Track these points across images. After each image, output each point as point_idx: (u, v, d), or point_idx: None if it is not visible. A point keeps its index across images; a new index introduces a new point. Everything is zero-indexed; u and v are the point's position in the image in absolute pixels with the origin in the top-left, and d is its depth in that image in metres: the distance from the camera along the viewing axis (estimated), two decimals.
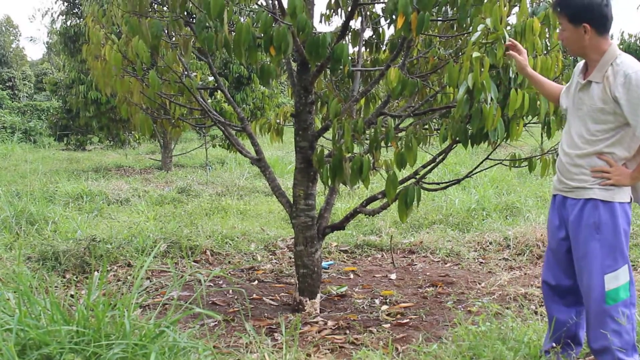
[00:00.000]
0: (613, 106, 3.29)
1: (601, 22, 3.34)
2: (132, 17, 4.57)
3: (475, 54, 3.61)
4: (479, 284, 5.86)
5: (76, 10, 17.85)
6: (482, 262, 6.69)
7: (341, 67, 4.09)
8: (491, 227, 8.02)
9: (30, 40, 79.31)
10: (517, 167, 4.95)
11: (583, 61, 3.56)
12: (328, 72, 5.53)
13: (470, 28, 3.99)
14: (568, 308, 3.76)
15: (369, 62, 5.69)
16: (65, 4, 17.98)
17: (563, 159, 3.54)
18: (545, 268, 3.84)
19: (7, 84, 42.93)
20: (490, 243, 7.33)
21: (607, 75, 3.32)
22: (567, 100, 3.64)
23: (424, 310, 5.13)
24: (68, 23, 17.57)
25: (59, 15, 18.20)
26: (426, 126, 4.93)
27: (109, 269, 6.30)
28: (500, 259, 6.76)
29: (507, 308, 5.01)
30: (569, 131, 3.53)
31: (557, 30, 3.71)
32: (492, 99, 3.80)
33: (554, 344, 3.75)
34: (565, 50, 3.90)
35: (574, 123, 3.50)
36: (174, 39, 5.30)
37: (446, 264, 6.77)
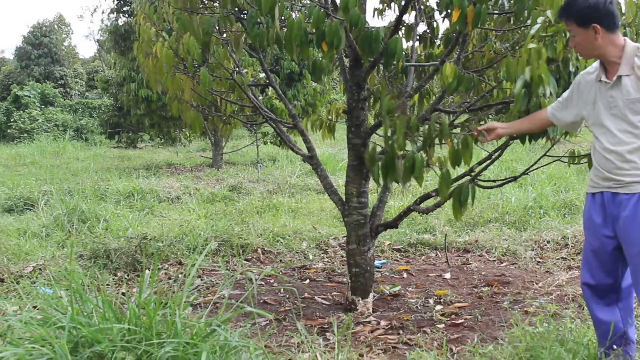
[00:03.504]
0: None
1: (610, 19, 3.35)
2: (183, 13, 4.61)
3: (531, 45, 3.58)
4: (536, 283, 5.79)
5: (126, 7, 18.09)
6: (539, 262, 6.61)
7: (395, 62, 4.06)
8: (549, 226, 7.91)
9: (87, 37, 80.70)
10: (576, 163, 4.85)
11: (593, 67, 3.58)
12: (381, 67, 5.51)
13: (528, 21, 3.94)
14: (610, 307, 3.71)
15: (422, 57, 5.65)
16: (115, 1, 18.24)
17: (609, 157, 3.47)
18: (584, 270, 3.77)
19: (59, 82, 43.74)
20: (548, 242, 7.23)
21: (637, 65, 3.32)
22: (582, 107, 3.62)
23: (479, 310, 5.09)
24: (118, 21, 17.83)
25: (109, 14, 18.47)
26: (482, 122, 4.88)
27: (160, 267, 6.37)
28: (558, 259, 6.67)
29: (566, 309, 4.94)
30: (607, 131, 3.48)
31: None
32: (551, 93, 3.76)
33: (614, 346, 3.69)
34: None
35: (610, 122, 3.45)
36: (225, 35, 5.33)
37: (502, 263, 6.70)
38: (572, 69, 3.98)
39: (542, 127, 3.98)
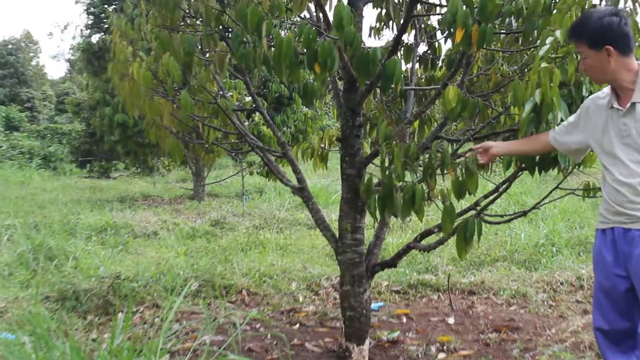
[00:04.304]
0: None
1: (624, 41, 3.37)
2: (162, 31, 4.62)
3: (544, 65, 3.59)
4: (549, 329, 5.78)
5: (101, 24, 18.17)
6: (552, 305, 6.60)
7: (393, 85, 4.08)
8: (562, 265, 7.92)
9: (54, 57, 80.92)
10: (591, 197, 4.86)
11: (603, 92, 3.60)
12: (378, 91, 5.54)
13: (538, 42, 3.97)
14: (626, 355, 3.69)
15: (423, 80, 5.69)
16: (91, 17, 18.31)
17: (621, 189, 3.48)
18: (595, 314, 3.76)
19: (25, 105, 43.79)
20: (562, 283, 7.23)
21: None
22: (590, 134, 3.63)
23: (486, 359, 5.08)
24: (92, 38, 17.88)
25: (82, 30, 18.55)
26: None
27: (134, 310, 6.35)
28: (572, 302, 6.66)
29: (582, 357, 4.94)
30: (618, 162, 3.48)
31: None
32: (562, 120, 3.78)
33: None
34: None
35: (621, 152, 3.46)
36: (208, 55, 5.35)
37: (511, 306, 6.69)
38: (585, 93, 3.99)
39: (542, 152, 3.98)
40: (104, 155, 21.44)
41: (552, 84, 3.60)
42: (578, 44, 3.47)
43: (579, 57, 3.60)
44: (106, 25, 18.10)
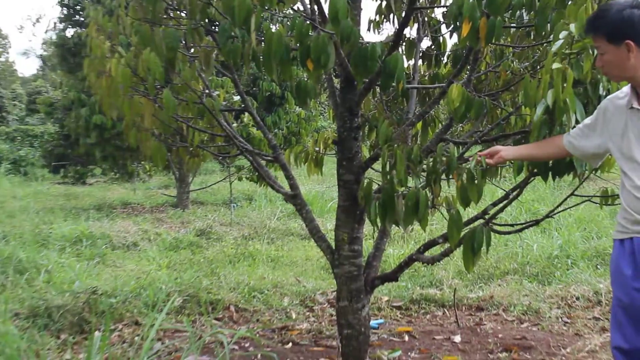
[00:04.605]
0: None
1: None
2: (143, 25, 4.61)
3: (555, 65, 3.58)
4: (564, 348, 5.78)
5: (77, 17, 18.15)
6: (567, 322, 6.61)
7: (394, 84, 4.08)
8: (578, 279, 7.93)
9: (24, 53, 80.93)
10: (609, 204, 4.87)
11: (622, 91, 3.57)
12: (378, 90, 5.55)
13: (551, 36, 3.97)
14: None
15: (426, 78, 5.70)
16: (65, 9, 18.29)
17: None
18: (614, 331, 3.71)
19: None
20: (577, 298, 7.24)
21: None
22: (608, 137, 3.61)
23: None
24: (66, 32, 17.85)
25: (55, 23, 18.54)
26: None
27: (112, 328, 6.33)
28: (589, 318, 6.67)
29: None
30: (637, 167, 3.44)
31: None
32: (577, 122, 3.77)
33: None
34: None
35: None
36: (192, 51, 5.35)
37: (522, 323, 6.70)
38: (602, 92, 3.99)
39: (556, 156, 3.96)
40: (79, 160, 21.43)
41: (565, 85, 3.59)
42: (595, 39, 3.44)
43: (595, 52, 3.60)
44: (82, 18, 18.09)
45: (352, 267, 5.01)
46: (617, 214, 3.67)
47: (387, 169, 4.17)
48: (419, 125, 5.55)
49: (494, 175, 4.62)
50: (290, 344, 6.11)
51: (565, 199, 4.87)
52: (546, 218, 4.91)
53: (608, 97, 3.67)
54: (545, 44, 4.56)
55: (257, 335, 6.38)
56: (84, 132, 17.31)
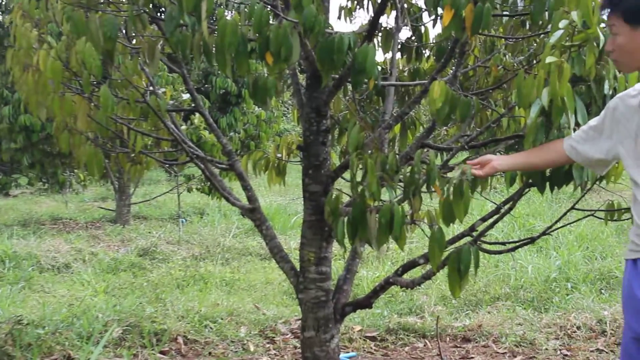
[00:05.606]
0: None
1: None
2: (76, 11, 4.55)
3: (550, 59, 3.53)
4: None
5: None
6: (566, 355, 6.65)
7: (366, 80, 4.07)
8: (579, 305, 7.97)
9: None
10: (615, 220, 4.88)
11: (635, 89, 3.50)
12: (350, 87, 5.55)
13: (549, 26, 3.97)
14: None
15: (406, 74, 5.70)
16: None
17: None
18: None
19: None
20: (578, 328, 7.28)
21: None
22: (618, 141, 3.56)
23: None
24: None
25: None
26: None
27: None
28: (592, 350, 6.71)
29: None
30: None
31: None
32: (578, 124, 3.76)
33: None
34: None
35: None
36: (135, 41, 5.33)
37: (515, 357, 6.72)
38: (608, 91, 3.98)
39: (556, 164, 3.92)
40: (1, 167, 21.23)
41: (561, 81, 3.56)
42: (611, 16, 3.38)
43: (601, 45, 3.58)
44: (4, 2, 17.98)
45: (320, 292, 5.00)
46: (629, 232, 3.61)
47: (358, 179, 4.14)
48: (397, 128, 5.54)
49: (483, 187, 4.61)
50: None
51: (565, 214, 4.89)
52: (543, 235, 4.92)
53: (618, 95, 3.61)
54: (542, 35, 4.58)
55: None
56: (8, 135, 17.12)
